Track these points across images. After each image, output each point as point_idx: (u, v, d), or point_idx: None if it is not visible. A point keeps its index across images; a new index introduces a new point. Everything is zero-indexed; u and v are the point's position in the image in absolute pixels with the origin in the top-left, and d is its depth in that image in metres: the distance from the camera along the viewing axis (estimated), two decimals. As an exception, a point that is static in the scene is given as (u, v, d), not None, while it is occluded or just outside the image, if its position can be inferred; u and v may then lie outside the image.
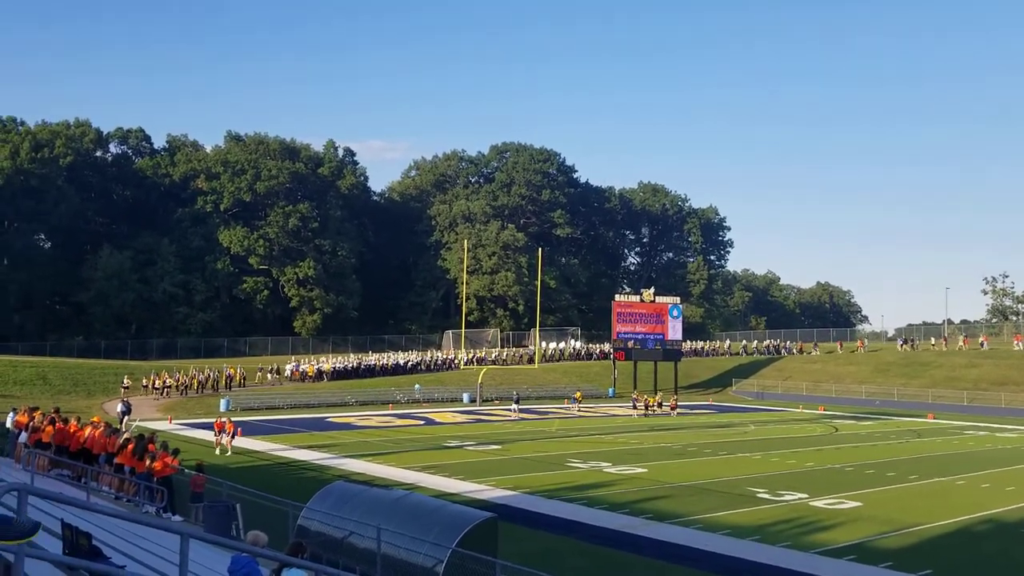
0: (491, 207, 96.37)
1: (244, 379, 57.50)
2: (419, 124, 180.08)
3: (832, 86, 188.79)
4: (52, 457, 19.95)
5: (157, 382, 51.71)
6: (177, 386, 52.19)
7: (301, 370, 60.91)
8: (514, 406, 51.24)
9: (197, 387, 53.13)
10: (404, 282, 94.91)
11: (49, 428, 20.74)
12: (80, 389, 51.14)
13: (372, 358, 67.27)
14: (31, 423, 21.21)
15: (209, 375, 54.81)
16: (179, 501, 17.82)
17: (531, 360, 66.60)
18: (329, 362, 63.21)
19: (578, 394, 56.20)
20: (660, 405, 54.26)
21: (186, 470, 18.67)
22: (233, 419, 35.13)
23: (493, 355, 72.09)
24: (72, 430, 20.96)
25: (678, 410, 53.76)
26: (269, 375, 59.56)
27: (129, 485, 18.21)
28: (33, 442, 20.18)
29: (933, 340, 76.22)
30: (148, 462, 17.88)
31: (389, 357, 68.09)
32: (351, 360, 65.45)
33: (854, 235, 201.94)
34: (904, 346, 78.16)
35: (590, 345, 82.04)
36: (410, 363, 67.22)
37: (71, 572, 6.52)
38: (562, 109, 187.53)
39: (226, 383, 55.29)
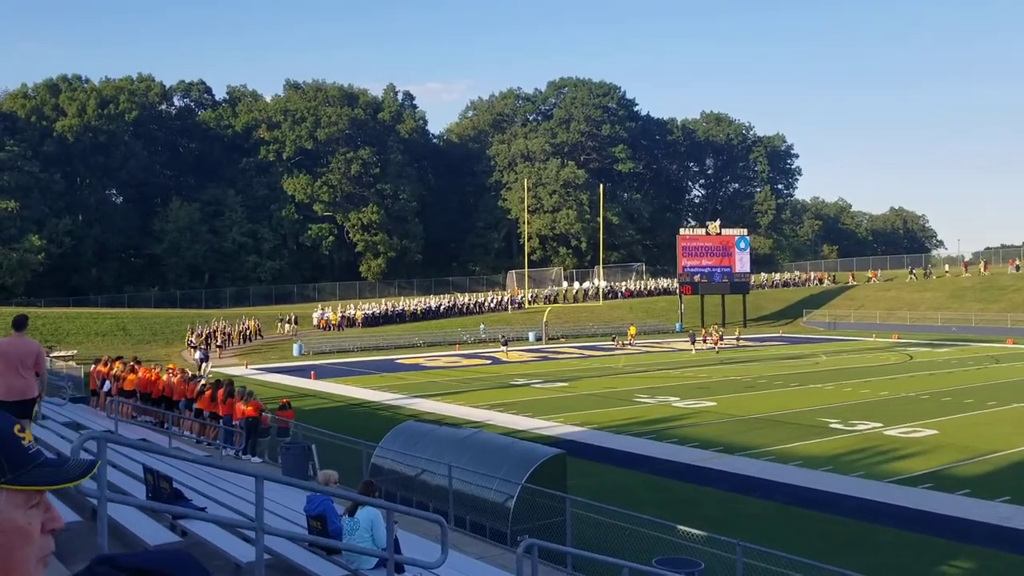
0: (550, 145, 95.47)
1: (260, 331, 54.72)
2: (476, 64, 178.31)
3: (899, 4, 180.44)
4: (136, 404, 20.74)
5: (191, 338, 50.03)
6: (204, 341, 49.50)
7: (326, 318, 58.73)
8: (503, 348, 49.43)
9: (222, 341, 51.11)
10: (466, 224, 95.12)
11: (131, 376, 21.50)
12: (159, 338, 52.84)
13: (402, 303, 64.97)
14: (111, 371, 22.01)
15: (218, 327, 51.91)
16: (267, 438, 18.48)
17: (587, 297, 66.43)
18: (359, 309, 61.39)
19: (632, 329, 55.13)
20: (705, 340, 50.25)
21: (265, 412, 19.18)
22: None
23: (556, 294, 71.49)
24: (153, 378, 21.73)
25: (739, 342, 52.72)
26: (287, 326, 56.35)
27: (209, 429, 18.88)
28: (116, 391, 20.95)
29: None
30: (242, 406, 18.22)
31: (420, 302, 65.79)
32: (382, 306, 63.21)
33: (927, 158, 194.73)
34: (912, 273, 76.65)
35: (614, 284, 76.74)
36: (442, 307, 64.99)
37: (154, 515, 6.76)
38: (621, 41, 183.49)
39: (241, 337, 52.98)
